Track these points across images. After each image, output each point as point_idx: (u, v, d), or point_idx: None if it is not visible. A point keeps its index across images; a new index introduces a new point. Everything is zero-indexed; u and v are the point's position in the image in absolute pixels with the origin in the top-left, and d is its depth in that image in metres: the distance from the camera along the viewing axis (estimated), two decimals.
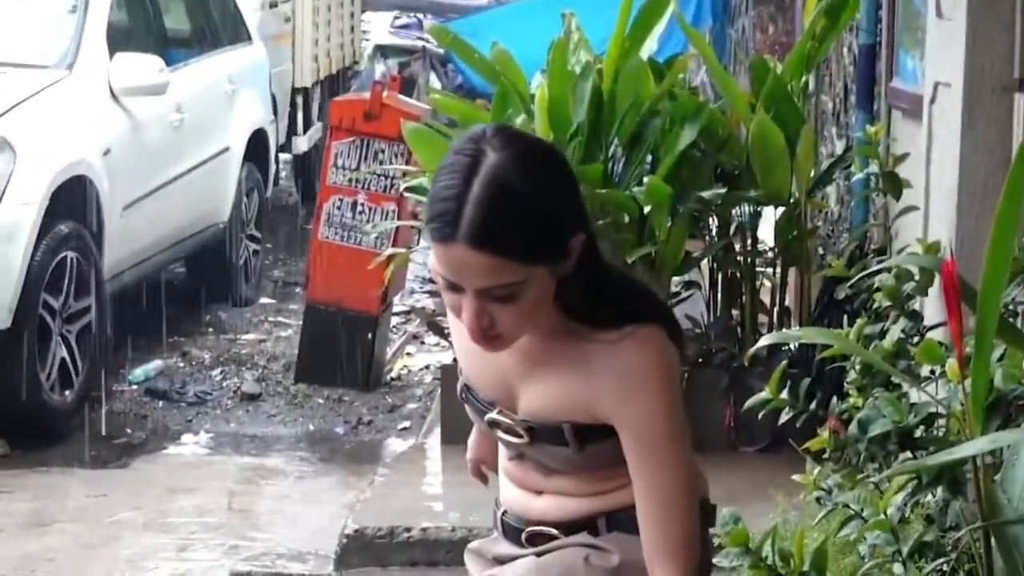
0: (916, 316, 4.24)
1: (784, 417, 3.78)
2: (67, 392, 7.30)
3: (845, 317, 4.97)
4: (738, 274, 6.27)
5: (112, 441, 7.31)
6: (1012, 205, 2.43)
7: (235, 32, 10.40)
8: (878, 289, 4.27)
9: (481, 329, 2.30)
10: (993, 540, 2.51)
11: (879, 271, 4.17)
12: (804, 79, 6.31)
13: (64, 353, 7.30)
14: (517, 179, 2.25)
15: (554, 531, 2.51)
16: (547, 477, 2.50)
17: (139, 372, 8.25)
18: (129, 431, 7.47)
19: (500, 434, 2.50)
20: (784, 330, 5.45)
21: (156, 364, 8.41)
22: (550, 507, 2.52)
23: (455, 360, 2.58)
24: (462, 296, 2.29)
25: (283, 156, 12.53)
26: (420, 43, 18.57)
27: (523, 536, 2.54)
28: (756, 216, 6.26)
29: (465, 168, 2.24)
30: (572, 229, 2.33)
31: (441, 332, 7.46)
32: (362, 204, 7.92)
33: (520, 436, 2.46)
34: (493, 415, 2.49)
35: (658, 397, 2.38)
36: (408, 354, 8.80)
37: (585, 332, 2.40)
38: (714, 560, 2.60)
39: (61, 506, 6.47)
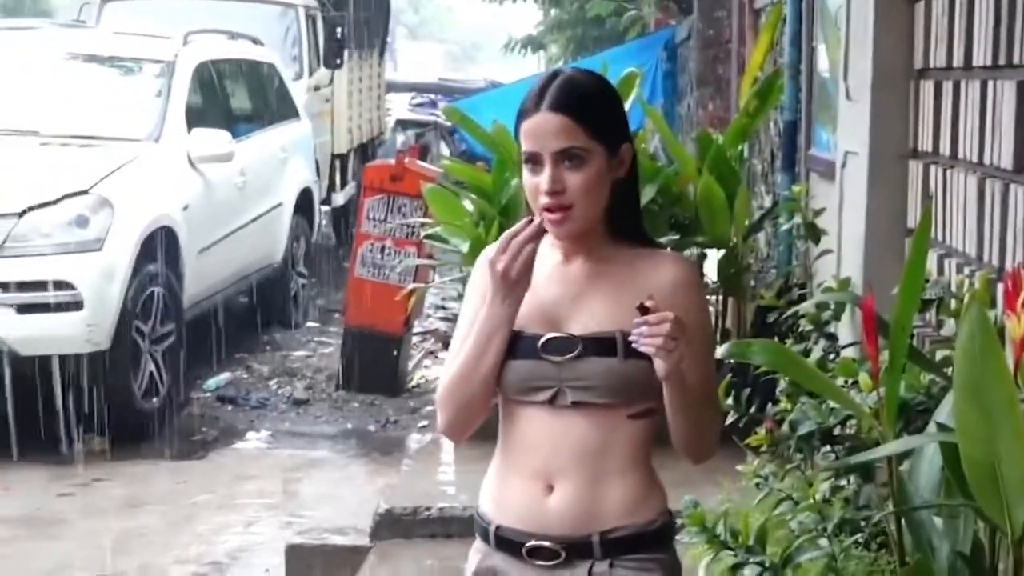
0: (833, 338, 4.23)
1: (729, 419, 3.76)
2: (154, 399, 7.27)
3: (775, 338, 4.95)
4: None
5: (190, 438, 7.29)
6: (920, 255, 2.42)
7: (286, 111, 10.40)
8: (802, 316, 4.25)
9: (554, 192, 2.28)
10: (904, 522, 2.49)
11: (803, 302, 4.17)
12: (740, 148, 6.30)
13: (152, 368, 7.28)
14: (587, 80, 2.36)
15: (557, 547, 2.30)
16: (574, 426, 2.29)
17: (212, 382, 8.23)
18: (204, 430, 7.45)
19: (546, 360, 2.26)
20: (732, 343, 5.43)
21: (225, 376, 8.39)
22: (561, 506, 2.30)
23: None
24: (539, 174, 2.28)
25: (324, 208, 12.52)
26: (432, 118, 18.62)
27: (523, 550, 2.32)
28: (703, 257, 6.23)
29: (548, 76, 2.35)
30: (624, 134, 2.36)
31: None
32: (389, 248, 7.91)
33: (572, 350, 2.27)
34: (548, 336, 2.29)
35: (703, 297, 2.40)
36: (426, 366, 8.79)
37: (629, 250, 2.36)
38: (676, 537, 2.52)
39: (150, 491, 6.44)
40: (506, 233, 2.31)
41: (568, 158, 2.28)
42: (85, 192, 7.02)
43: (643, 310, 2.19)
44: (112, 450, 6.92)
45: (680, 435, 2.31)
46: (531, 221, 2.30)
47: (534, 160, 2.30)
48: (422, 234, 6.90)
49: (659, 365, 2.20)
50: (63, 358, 6.74)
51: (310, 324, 10.12)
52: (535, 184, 2.30)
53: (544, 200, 2.29)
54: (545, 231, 2.30)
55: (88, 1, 11.96)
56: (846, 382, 3.42)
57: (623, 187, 2.36)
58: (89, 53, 8.78)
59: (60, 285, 6.72)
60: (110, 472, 6.64)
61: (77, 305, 6.72)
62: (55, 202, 6.90)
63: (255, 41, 10.29)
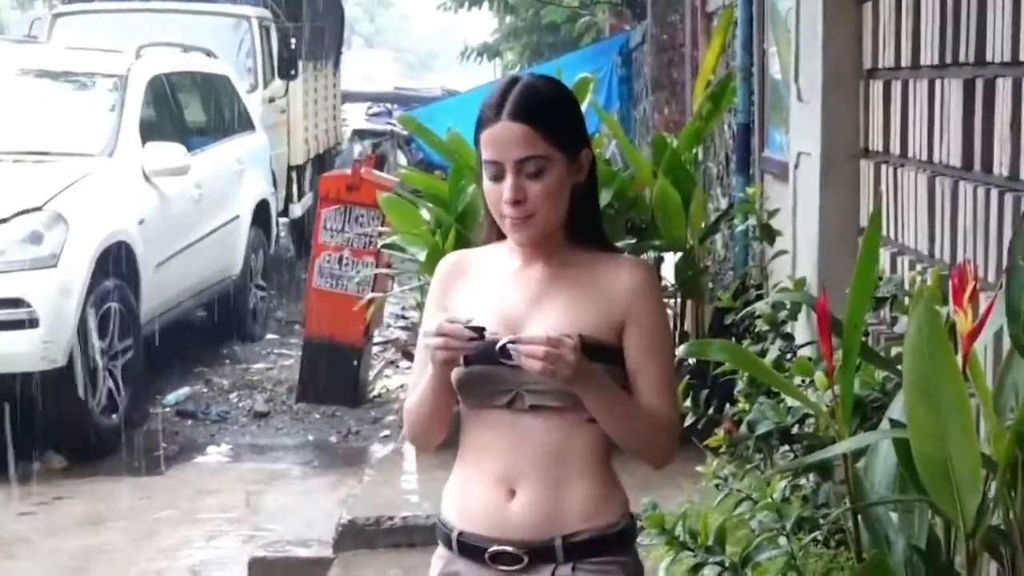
0: (789, 337, 4.26)
1: (688, 420, 3.78)
2: (113, 415, 7.22)
3: (732, 339, 4.97)
4: None
5: (151, 453, 7.23)
6: (870, 254, 2.44)
7: (241, 123, 10.35)
8: (759, 317, 4.28)
9: (516, 201, 2.28)
10: (860, 518, 2.51)
11: (759, 303, 4.19)
12: (694, 151, 6.33)
13: (110, 384, 7.22)
14: (546, 87, 2.36)
15: (520, 552, 2.31)
16: (533, 430, 2.30)
17: (171, 397, 8.18)
18: (164, 445, 7.39)
19: (504, 364, 2.23)
20: (691, 342, 5.45)
21: (185, 390, 8.34)
22: (523, 511, 2.31)
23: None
24: (501, 182, 2.29)
25: (282, 220, 12.48)
26: (389, 127, 18.59)
27: (486, 555, 2.33)
28: (660, 260, 6.26)
29: (507, 83, 2.35)
30: (583, 140, 2.38)
31: (412, 358, 7.41)
32: (347, 258, 7.89)
33: None
34: (506, 340, 2.24)
35: (661, 301, 2.40)
36: (386, 376, 8.76)
37: (588, 255, 2.37)
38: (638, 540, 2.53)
39: (111, 508, 6.38)
40: (451, 319, 2.28)
41: (529, 166, 2.29)
42: (39, 208, 6.96)
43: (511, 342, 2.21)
44: (72, 467, 6.86)
45: (620, 442, 2.31)
46: (481, 331, 2.24)
47: (495, 168, 2.31)
48: (380, 244, 6.89)
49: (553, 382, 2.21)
50: (19, 375, 6.69)
51: (269, 336, 10.07)
52: (497, 192, 2.31)
53: (506, 209, 2.30)
54: (480, 342, 2.25)
55: (39, 16, 11.90)
56: (803, 381, 3.45)
57: (583, 192, 2.37)
58: (41, 69, 8.72)
59: (15, 303, 6.65)
60: (71, 490, 6.59)
61: (32, 322, 6.65)
62: (8, 219, 6.84)
63: (208, 53, 10.25)
